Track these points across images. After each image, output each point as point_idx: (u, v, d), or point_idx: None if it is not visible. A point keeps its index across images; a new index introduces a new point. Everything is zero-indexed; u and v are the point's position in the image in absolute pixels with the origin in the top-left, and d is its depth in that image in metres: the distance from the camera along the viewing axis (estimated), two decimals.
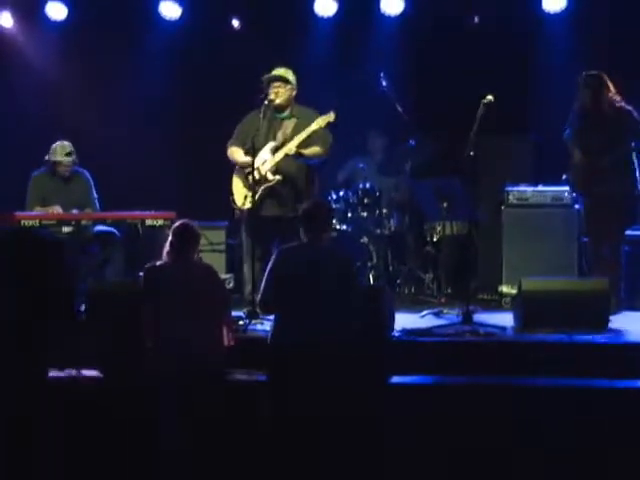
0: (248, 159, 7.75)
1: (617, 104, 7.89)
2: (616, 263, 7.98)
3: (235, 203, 7.99)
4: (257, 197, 7.77)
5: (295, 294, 5.93)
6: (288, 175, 7.89)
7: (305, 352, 5.82)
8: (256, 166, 7.77)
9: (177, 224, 6.29)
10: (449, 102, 9.39)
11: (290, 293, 5.94)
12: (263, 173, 7.81)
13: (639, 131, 7.91)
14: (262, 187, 7.83)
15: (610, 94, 7.90)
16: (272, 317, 6.31)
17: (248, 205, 7.82)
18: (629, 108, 7.90)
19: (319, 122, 7.84)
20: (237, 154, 8.00)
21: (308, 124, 7.88)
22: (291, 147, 7.82)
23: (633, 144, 7.99)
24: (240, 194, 7.95)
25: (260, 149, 7.81)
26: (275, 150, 7.88)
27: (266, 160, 7.85)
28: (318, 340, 5.82)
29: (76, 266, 8.07)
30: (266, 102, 7.89)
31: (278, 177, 7.85)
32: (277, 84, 7.99)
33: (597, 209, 7.99)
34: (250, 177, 7.72)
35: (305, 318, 5.87)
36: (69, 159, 8.60)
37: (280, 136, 7.95)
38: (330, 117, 7.86)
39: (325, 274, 5.95)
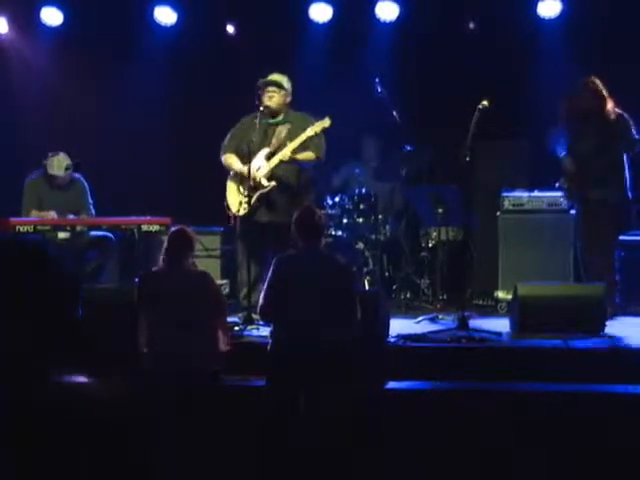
0: (245, 167, 7.75)
1: (617, 110, 7.93)
2: (610, 269, 7.98)
3: (230, 209, 7.98)
4: (252, 203, 7.77)
5: (295, 301, 5.95)
6: (283, 181, 7.88)
7: (305, 358, 5.84)
8: (239, 170, 7.83)
9: (172, 230, 6.30)
10: (444, 107, 9.40)
11: (290, 300, 5.96)
12: (258, 179, 7.80)
13: (631, 141, 7.92)
14: (257, 193, 7.83)
15: (610, 99, 7.95)
16: (269, 323, 6.33)
17: (243, 211, 7.82)
18: (627, 117, 7.94)
19: (314, 128, 7.82)
20: (233, 161, 7.98)
21: (302, 129, 7.87)
22: (286, 153, 7.80)
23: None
24: (235, 200, 7.93)
25: (255, 155, 7.80)
26: (269, 156, 7.87)
27: (260, 166, 7.83)
28: (317, 346, 5.84)
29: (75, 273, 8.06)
30: (261, 108, 7.89)
31: (273, 183, 7.83)
32: (272, 89, 7.98)
33: (590, 215, 8.00)
34: (246, 181, 7.73)
35: (304, 324, 5.89)
36: (65, 174, 8.57)
37: (274, 142, 7.94)
38: (325, 123, 7.83)
39: (324, 281, 5.98)
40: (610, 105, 7.93)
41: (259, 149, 7.86)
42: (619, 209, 7.99)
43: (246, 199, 7.76)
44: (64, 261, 7.06)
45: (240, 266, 8.02)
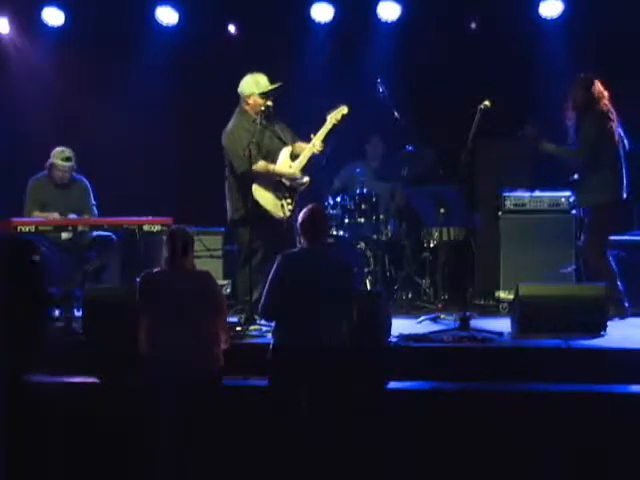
0: (281, 168, 7.87)
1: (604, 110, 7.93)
2: (609, 268, 7.97)
3: (271, 214, 7.86)
4: (294, 202, 7.88)
5: (297, 300, 5.95)
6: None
7: (306, 357, 5.85)
8: (285, 172, 7.88)
9: (169, 230, 6.35)
10: (446, 107, 9.40)
11: (292, 299, 5.96)
12: (296, 175, 7.90)
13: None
14: (298, 192, 7.95)
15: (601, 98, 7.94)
16: (270, 321, 6.34)
17: (289, 212, 7.83)
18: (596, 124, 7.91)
19: (336, 116, 7.91)
20: (269, 166, 7.91)
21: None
22: (317, 144, 7.90)
23: (618, 150, 7.98)
24: (275, 205, 7.86)
25: (257, 155, 7.78)
26: (292, 154, 7.92)
27: (291, 165, 7.91)
28: (318, 346, 5.84)
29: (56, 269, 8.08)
30: (262, 108, 7.88)
31: (307, 178, 7.97)
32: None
33: (589, 215, 8.01)
34: (281, 184, 7.84)
35: (306, 324, 5.90)
36: (67, 164, 8.57)
37: (286, 140, 7.99)
38: (344, 110, 7.93)
39: (326, 280, 5.98)
40: (600, 103, 7.91)
41: (263, 151, 7.86)
42: (612, 209, 7.97)
43: (289, 200, 7.85)
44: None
45: (241, 267, 7.98)
